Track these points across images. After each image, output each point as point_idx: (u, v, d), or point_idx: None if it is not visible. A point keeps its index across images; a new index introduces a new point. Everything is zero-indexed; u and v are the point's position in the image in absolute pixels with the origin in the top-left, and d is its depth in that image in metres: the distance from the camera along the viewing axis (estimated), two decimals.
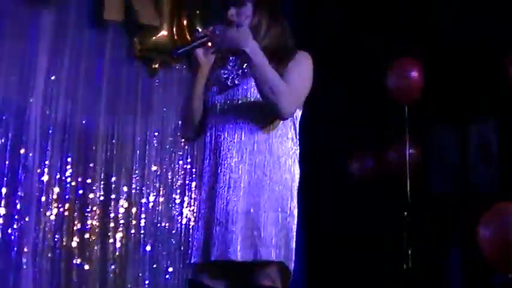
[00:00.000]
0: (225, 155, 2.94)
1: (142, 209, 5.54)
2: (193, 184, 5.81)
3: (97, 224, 5.27)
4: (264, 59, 2.88)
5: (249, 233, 2.86)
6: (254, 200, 2.90)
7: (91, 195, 5.28)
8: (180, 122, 3.05)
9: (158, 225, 5.61)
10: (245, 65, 3.01)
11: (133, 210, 5.48)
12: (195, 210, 5.71)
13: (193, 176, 5.84)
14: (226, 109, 3.00)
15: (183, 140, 3.01)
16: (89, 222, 5.24)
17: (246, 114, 2.97)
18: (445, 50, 6.00)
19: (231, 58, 3.10)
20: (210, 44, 2.97)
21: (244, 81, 3.00)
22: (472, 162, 6.11)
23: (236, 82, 3.01)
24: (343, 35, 6.32)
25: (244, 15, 3.03)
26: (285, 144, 3.01)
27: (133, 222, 5.47)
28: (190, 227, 5.71)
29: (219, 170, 2.93)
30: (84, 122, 5.32)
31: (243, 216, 2.88)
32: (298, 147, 3.08)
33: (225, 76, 3.04)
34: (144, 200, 5.55)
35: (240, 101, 2.99)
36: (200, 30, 3.10)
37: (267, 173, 2.93)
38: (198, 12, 5.75)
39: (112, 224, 5.35)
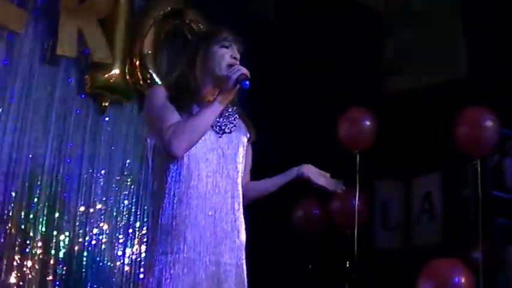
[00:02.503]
0: (220, 198, 3.01)
1: (85, 247, 5.46)
2: (137, 224, 5.76)
3: (37, 260, 5.18)
4: None
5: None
6: (241, 255, 3.02)
7: (33, 231, 5.20)
8: (180, 138, 2.91)
9: (100, 263, 5.53)
10: (233, 116, 3.16)
11: (76, 247, 5.41)
12: (138, 250, 5.67)
13: (138, 215, 5.79)
14: (219, 153, 3.06)
15: (172, 152, 2.92)
16: (29, 258, 5.15)
17: (233, 161, 3.09)
18: (393, 102, 6.13)
19: (230, 108, 3.18)
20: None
21: (236, 133, 3.13)
22: (416, 215, 6.18)
23: (231, 130, 3.11)
24: (297, 80, 6.39)
25: None
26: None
27: (75, 260, 5.39)
28: (133, 266, 5.66)
29: (209, 214, 2.97)
30: (30, 156, 5.27)
31: (235, 267, 2.98)
32: None
33: (224, 121, 3.11)
34: (87, 238, 5.49)
35: (232, 151, 3.09)
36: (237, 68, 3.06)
37: (240, 219, 3.09)
38: (149, 52, 5.77)
39: (52, 261, 5.27)
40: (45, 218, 5.27)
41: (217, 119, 3.07)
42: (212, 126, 3.05)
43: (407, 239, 6.20)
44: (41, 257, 5.21)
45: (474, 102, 5.14)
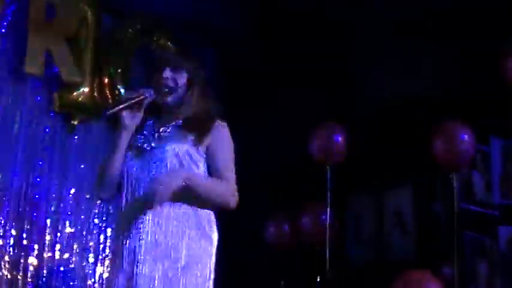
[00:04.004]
0: (141, 221, 2.94)
1: (54, 267, 5.40)
2: (108, 243, 5.71)
3: (5, 280, 5.11)
4: (201, 179, 2.99)
5: None
6: (175, 265, 2.90)
7: (0, 251, 5.14)
8: (95, 186, 3.04)
9: (71, 283, 5.48)
10: (161, 128, 3.08)
11: (45, 267, 5.34)
12: (108, 270, 5.62)
13: (108, 235, 5.74)
14: (143, 172, 3.00)
15: (99, 200, 3.02)
16: None
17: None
18: (365, 116, 6.15)
19: (148, 123, 3.14)
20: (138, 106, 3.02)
21: (161, 144, 3.02)
22: (387, 229, 6.19)
23: (153, 145, 3.04)
24: (269, 94, 6.39)
25: (179, 82, 3.10)
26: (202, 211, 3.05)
27: (44, 280, 5.32)
28: (103, 286, 5.60)
29: (138, 237, 2.93)
30: None
31: (164, 282, 2.88)
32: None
33: (141, 140, 3.07)
34: (56, 258, 5.42)
35: (156, 164, 2.99)
36: (129, 91, 3.09)
37: (187, 241, 2.95)
38: (119, 71, 5.76)
39: (20, 282, 5.20)
40: (12, 238, 5.20)
41: (137, 142, 3.08)
42: (132, 151, 3.05)
43: (379, 253, 6.20)
44: (9, 277, 5.13)
45: (445, 117, 5.18)
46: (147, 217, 2.93)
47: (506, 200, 5.66)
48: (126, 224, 2.97)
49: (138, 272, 2.87)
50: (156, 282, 2.87)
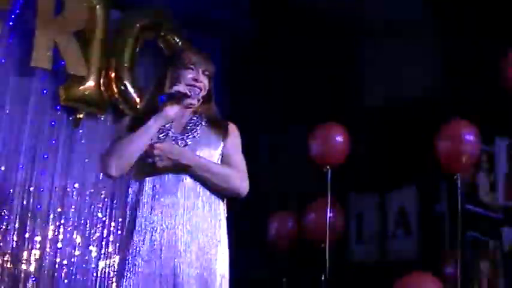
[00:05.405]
0: (173, 214, 2.97)
1: (57, 260, 5.41)
2: (111, 237, 5.72)
3: (7, 273, 5.12)
4: (204, 161, 3.05)
5: None
6: (206, 264, 2.95)
7: (3, 244, 5.15)
8: (109, 159, 2.99)
9: (72, 277, 5.49)
10: (189, 126, 3.14)
11: (47, 261, 5.36)
12: (111, 263, 5.63)
13: (112, 229, 5.75)
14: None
15: (105, 175, 3.01)
16: None
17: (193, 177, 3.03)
18: (369, 116, 6.14)
19: (195, 117, 3.19)
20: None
21: (195, 145, 3.09)
22: (391, 229, 6.20)
23: (188, 142, 3.09)
24: (271, 94, 6.40)
25: (207, 87, 3.19)
26: (222, 205, 3.12)
27: (46, 273, 5.33)
28: (105, 280, 5.61)
29: (164, 230, 2.95)
30: (2, 168, 5.24)
31: (197, 280, 2.92)
32: None
33: (166, 134, 3.11)
34: (59, 251, 5.43)
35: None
36: (179, 85, 3.10)
37: (214, 237, 3.01)
38: (126, 65, 5.75)
39: (23, 275, 5.21)
40: (16, 230, 5.22)
41: (173, 134, 3.11)
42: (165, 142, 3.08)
43: (382, 253, 6.20)
44: (11, 270, 5.15)
45: (449, 117, 5.18)
46: (179, 222, 2.97)
47: (510, 201, 5.66)
48: (154, 227, 2.97)
49: (178, 281, 2.90)
50: None
